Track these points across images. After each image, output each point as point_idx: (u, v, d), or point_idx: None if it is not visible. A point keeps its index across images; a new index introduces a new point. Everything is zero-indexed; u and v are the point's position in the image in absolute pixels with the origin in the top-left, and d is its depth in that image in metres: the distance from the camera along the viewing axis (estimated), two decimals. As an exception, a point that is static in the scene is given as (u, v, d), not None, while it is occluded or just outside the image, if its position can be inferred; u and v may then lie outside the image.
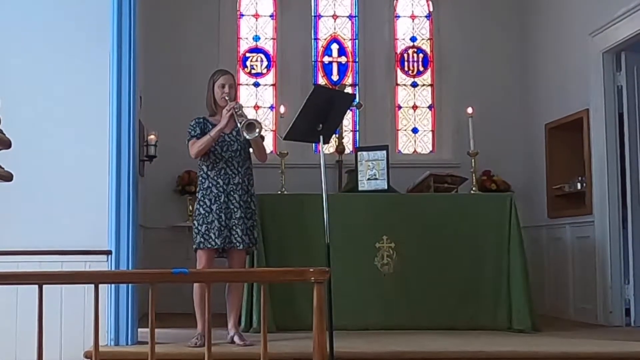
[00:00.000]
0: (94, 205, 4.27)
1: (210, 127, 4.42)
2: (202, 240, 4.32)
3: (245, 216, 4.36)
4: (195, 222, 4.39)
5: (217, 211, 4.32)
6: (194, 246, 4.37)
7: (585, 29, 5.90)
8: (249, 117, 4.36)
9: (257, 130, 4.22)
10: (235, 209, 4.34)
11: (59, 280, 2.59)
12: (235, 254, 4.40)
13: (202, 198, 4.39)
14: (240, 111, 4.33)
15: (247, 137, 4.23)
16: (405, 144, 7.39)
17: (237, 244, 4.32)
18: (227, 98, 4.40)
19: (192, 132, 4.42)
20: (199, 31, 7.09)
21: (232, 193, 4.36)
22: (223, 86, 4.44)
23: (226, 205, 4.34)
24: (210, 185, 4.38)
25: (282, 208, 5.15)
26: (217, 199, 4.35)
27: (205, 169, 4.43)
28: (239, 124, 4.26)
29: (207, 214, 4.33)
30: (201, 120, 4.47)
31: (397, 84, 7.42)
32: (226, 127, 4.35)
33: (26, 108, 4.25)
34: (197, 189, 4.47)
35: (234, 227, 4.33)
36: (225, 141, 4.41)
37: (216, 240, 4.29)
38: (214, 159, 4.40)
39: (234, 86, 4.51)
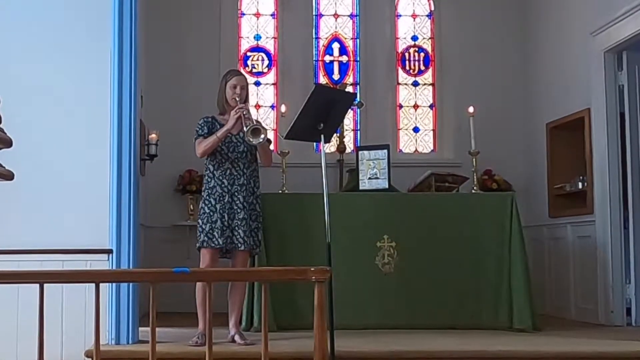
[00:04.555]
0: (95, 205, 4.27)
1: (219, 126, 4.43)
2: (205, 239, 4.32)
3: (249, 218, 4.36)
4: (199, 220, 4.39)
5: (221, 211, 4.33)
6: (197, 245, 4.37)
7: (586, 28, 5.89)
8: (256, 121, 4.35)
9: (262, 136, 4.22)
10: (239, 210, 4.34)
11: (60, 279, 2.60)
12: (239, 255, 4.39)
13: (207, 197, 4.39)
14: (248, 114, 4.33)
15: (252, 142, 4.22)
16: (407, 143, 7.38)
17: (239, 245, 4.32)
18: (237, 99, 4.40)
19: (200, 131, 4.43)
20: (200, 30, 7.09)
21: (236, 194, 4.37)
22: (235, 87, 4.44)
23: (230, 206, 4.34)
24: (216, 184, 4.39)
25: (283, 207, 5.15)
26: (221, 198, 4.35)
27: (211, 169, 4.43)
28: (244, 128, 4.26)
29: (211, 213, 4.34)
30: (209, 119, 4.48)
31: (398, 83, 7.41)
32: (233, 128, 4.36)
33: (27, 107, 4.25)
34: (203, 188, 4.48)
35: (236, 228, 4.33)
36: (232, 142, 4.42)
37: (219, 239, 4.29)
38: (220, 159, 4.41)
39: (246, 88, 4.51)
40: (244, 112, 4.31)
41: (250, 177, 4.44)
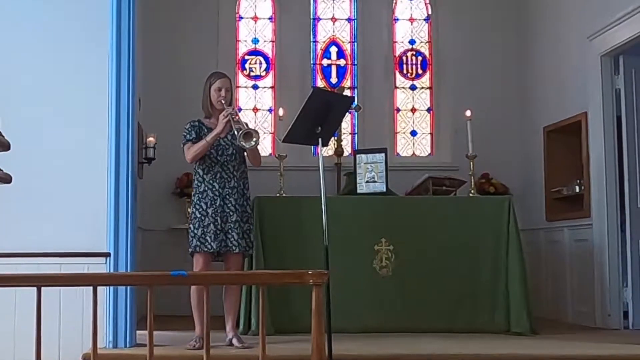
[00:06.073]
0: (92, 208, 4.27)
1: (206, 130, 4.42)
2: (198, 243, 4.31)
3: (241, 220, 4.36)
4: (191, 225, 4.38)
5: (213, 215, 4.32)
6: (190, 250, 4.36)
7: (583, 32, 5.91)
8: (245, 123, 4.35)
9: (254, 139, 4.22)
10: (231, 213, 4.34)
11: (57, 283, 2.60)
12: (232, 258, 4.39)
13: (197, 202, 4.38)
14: (237, 117, 4.33)
15: (245, 146, 4.23)
16: (404, 147, 7.39)
17: (233, 248, 4.32)
18: (223, 102, 4.39)
19: (188, 136, 4.42)
20: (198, 33, 7.10)
21: (227, 197, 4.36)
22: (220, 89, 4.42)
23: (222, 209, 4.34)
24: (206, 189, 4.38)
25: (281, 210, 5.15)
26: (213, 202, 4.34)
27: (201, 173, 4.42)
28: (235, 132, 4.25)
29: (203, 218, 4.33)
30: (196, 123, 4.47)
31: (396, 87, 7.42)
32: (221, 132, 4.35)
33: (25, 110, 4.26)
34: (193, 193, 4.46)
35: (230, 231, 4.33)
36: (221, 145, 4.41)
37: (212, 244, 4.29)
38: (209, 163, 4.40)
39: (231, 90, 4.50)
40: (233, 115, 4.30)
41: (240, 179, 4.44)
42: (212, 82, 4.46)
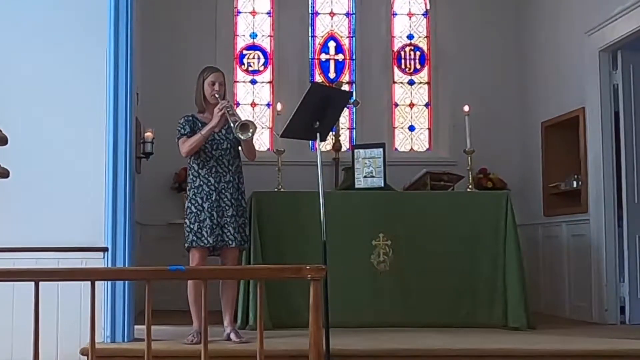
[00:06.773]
0: (90, 202, 4.27)
1: (200, 124, 4.41)
2: (194, 238, 4.31)
3: (236, 214, 4.36)
4: (187, 220, 4.38)
5: (209, 209, 4.31)
6: (186, 245, 4.36)
7: (581, 27, 5.91)
8: (240, 116, 4.34)
9: (251, 130, 4.21)
10: (227, 207, 4.34)
11: (55, 277, 2.60)
12: (228, 252, 4.39)
13: (193, 196, 4.38)
14: (231, 110, 4.33)
15: (241, 137, 4.22)
16: (402, 142, 7.40)
17: (230, 242, 4.32)
18: (217, 96, 4.39)
19: (182, 130, 4.41)
20: (196, 28, 7.09)
21: (223, 191, 4.36)
22: (213, 84, 4.41)
23: (218, 204, 4.33)
24: (202, 183, 4.37)
25: (279, 205, 5.15)
26: (208, 197, 4.34)
27: (196, 167, 4.41)
28: (231, 124, 4.25)
29: (199, 212, 4.33)
30: (190, 118, 4.46)
31: (394, 82, 7.42)
32: (217, 125, 4.35)
33: (23, 105, 4.25)
34: (188, 187, 4.45)
35: (226, 225, 4.33)
36: (215, 139, 4.41)
37: (208, 238, 4.29)
38: (204, 157, 4.39)
39: (224, 84, 4.48)
40: (228, 109, 4.30)
41: (235, 173, 4.43)
42: (205, 77, 4.45)
